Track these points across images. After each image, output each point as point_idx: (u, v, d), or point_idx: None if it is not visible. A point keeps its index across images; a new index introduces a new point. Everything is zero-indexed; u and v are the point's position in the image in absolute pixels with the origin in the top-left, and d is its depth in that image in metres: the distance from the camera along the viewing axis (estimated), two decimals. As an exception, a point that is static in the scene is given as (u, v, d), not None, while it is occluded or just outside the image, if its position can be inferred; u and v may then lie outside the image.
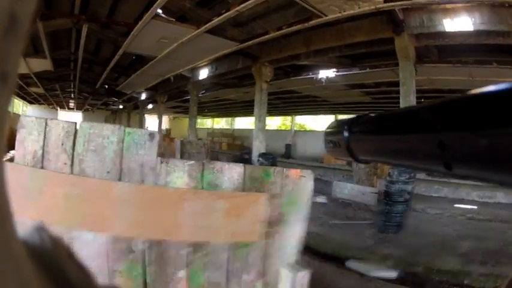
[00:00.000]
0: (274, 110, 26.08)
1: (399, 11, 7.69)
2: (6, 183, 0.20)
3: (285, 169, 1.80)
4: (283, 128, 32.44)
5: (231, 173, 1.71)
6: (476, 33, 7.58)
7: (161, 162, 1.71)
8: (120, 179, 1.68)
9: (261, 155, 11.43)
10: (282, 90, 17.62)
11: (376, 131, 0.56)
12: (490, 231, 7.05)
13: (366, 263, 5.46)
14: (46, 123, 1.75)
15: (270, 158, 11.23)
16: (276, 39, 10.19)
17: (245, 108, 25.64)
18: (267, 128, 14.81)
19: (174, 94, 22.22)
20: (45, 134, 1.73)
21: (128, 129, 1.74)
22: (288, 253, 1.81)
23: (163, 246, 1.67)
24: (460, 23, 7.34)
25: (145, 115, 34.69)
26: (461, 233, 6.91)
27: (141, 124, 29.28)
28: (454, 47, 9.03)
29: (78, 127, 1.75)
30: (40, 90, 24.13)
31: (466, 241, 6.38)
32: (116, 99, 28.53)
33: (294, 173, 1.79)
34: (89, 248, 1.63)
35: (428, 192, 10.71)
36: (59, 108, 38.84)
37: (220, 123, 41.82)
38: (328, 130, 0.73)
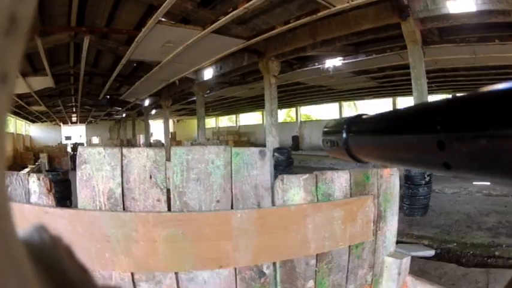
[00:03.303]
0: (279, 103, 25.92)
1: (403, -4, 7.73)
2: (5, 182, 0.20)
3: (379, 170, 1.83)
4: (288, 120, 32.28)
5: (340, 181, 1.71)
6: (479, 13, 7.68)
7: (276, 181, 1.62)
8: (232, 207, 1.54)
9: (276, 150, 11.46)
10: (287, 83, 17.43)
11: (375, 130, 0.55)
12: (508, 206, 7.31)
13: (403, 245, 5.67)
14: (123, 154, 1.45)
15: (286, 152, 11.28)
16: (282, 33, 10.11)
17: (250, 104, 25.59)
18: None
19: (179, 97, 22.03)
20: (122, 167, 1.44)
21: (235, 150, 1.58)
22: (390, 244, 1.90)
23: (293, 263, 1.63)
24: (462, 4, 7.41)
25: (150, 121, 34.70)
26: (482, 210, 7.19)
27: (147, 131, 29.31)
28: (456, 26, 9.09)
29: (172, 153, 1.49)
30: (42, 108, 23.89)
31: (489, 217, 6.70)
32: (119, 108, 28.42)
33: (386, 172, 1.85)
34: (209, 286, 1.49)
35: (443, 172, 10.66)
36: (61, 124, 38.49)
37: (224, 121, 41.63)
38: (326, 129, 0.71)
